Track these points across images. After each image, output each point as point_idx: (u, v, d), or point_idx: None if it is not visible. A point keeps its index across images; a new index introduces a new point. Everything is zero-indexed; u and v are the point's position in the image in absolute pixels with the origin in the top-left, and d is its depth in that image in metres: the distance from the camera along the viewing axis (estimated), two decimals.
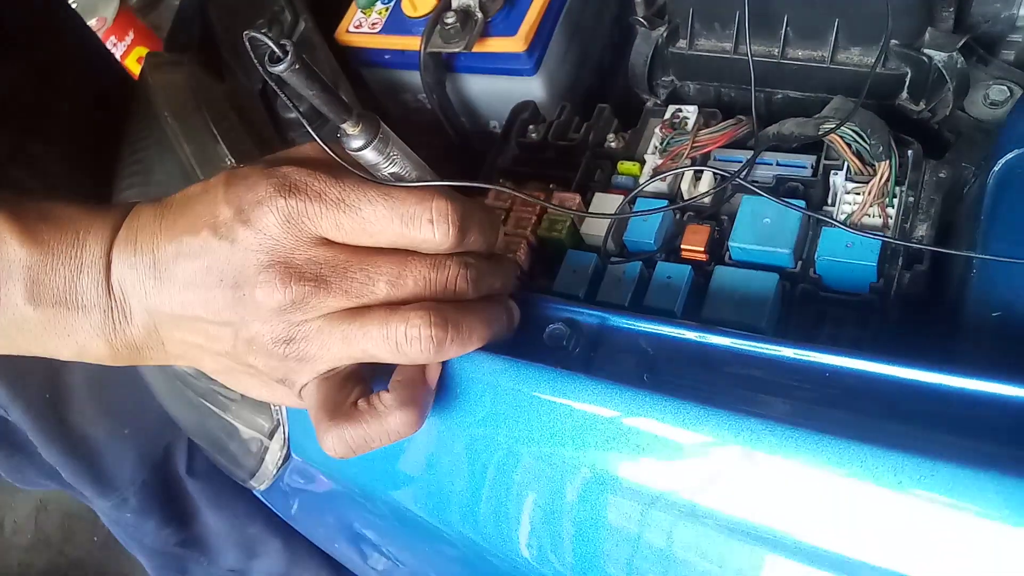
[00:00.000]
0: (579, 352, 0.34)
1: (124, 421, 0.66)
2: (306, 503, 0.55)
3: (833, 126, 0.40)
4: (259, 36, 0.28)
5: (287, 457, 0.46)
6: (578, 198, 0.46)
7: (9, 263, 0.33)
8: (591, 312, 0.35)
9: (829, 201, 0.43)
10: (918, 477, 0.27)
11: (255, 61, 0.29)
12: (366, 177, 0.33)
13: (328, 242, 0.33)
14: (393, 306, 0.32)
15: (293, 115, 0.51)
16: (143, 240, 0.34)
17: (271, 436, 0.46)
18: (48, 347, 0.35)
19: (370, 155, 0.33)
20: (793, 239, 0.39)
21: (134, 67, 1.92)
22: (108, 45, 1.86)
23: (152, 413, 0.64)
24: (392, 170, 0.34)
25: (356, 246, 0.33)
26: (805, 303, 0.40)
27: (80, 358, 0.36)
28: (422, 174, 0.35)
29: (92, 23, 1.87)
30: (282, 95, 0.31)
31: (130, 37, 1.92)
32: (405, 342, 0.32)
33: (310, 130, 0.32)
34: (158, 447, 0.69)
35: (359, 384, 0.34)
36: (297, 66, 0.28)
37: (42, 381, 0.61)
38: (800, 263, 0.40)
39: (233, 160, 0.50)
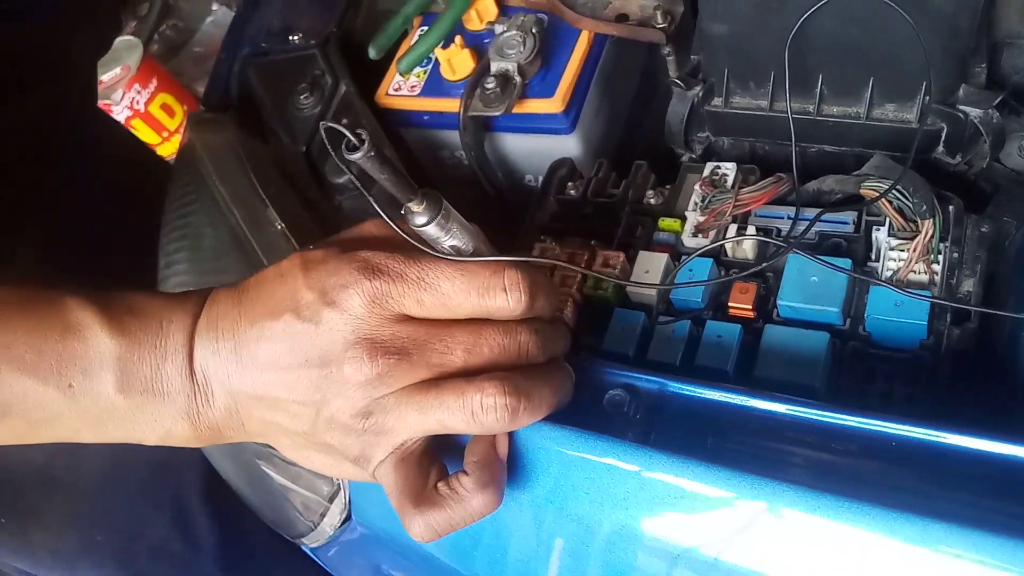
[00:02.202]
0: (640, 418, 0.35)
1: (96, 527, 0.64)
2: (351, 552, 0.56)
3: (880, 187, 0.41)
4: (336, 126, 0.30)
5: (346, 519, 0.47)
6: (622, 256, 0.47)
7: (100, 355, 0.35)
8: (649, 378, 0.36)
9: (873, 256, 0.44)
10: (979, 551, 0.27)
11: (329, 148, 0.31)
12: (435, 254, 0.34)
13: (408, 318, 0.35)
14: (467, 378, 0.34)
15: (341, 180, 0.53)
16: (223, 326, 0.36)
17: (331, 500, 0.47)
18: (135, 433, 0.36)
19: (432, 230, 0.34)
20: (842, 297, 0.40)
21: (158, 113, 1.96)
22: (132, 92, 1.90)
23: (127, 513, 0.63)
24: (452, 243, 0.35)
25: (433, 319, 0.35)
26: (855, 360, 0.40)
27: (165, 442, 0.37)
28: (478, 245, 0.37)
29: (116, 71, 1.92)
30: (353, 179, 0.32)
31: (153, 84, 1.97)
32: (481, 411, 0.33)
33: (381, 212, 0.33)
34: (138, 547, 0.66)
35: (434, 464, 0.35)
36: (372, 153, 0.30)
37: None
38: (849, 320, 0.41)
39: (283, 225, 0.51)
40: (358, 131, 0.30)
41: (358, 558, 0.55)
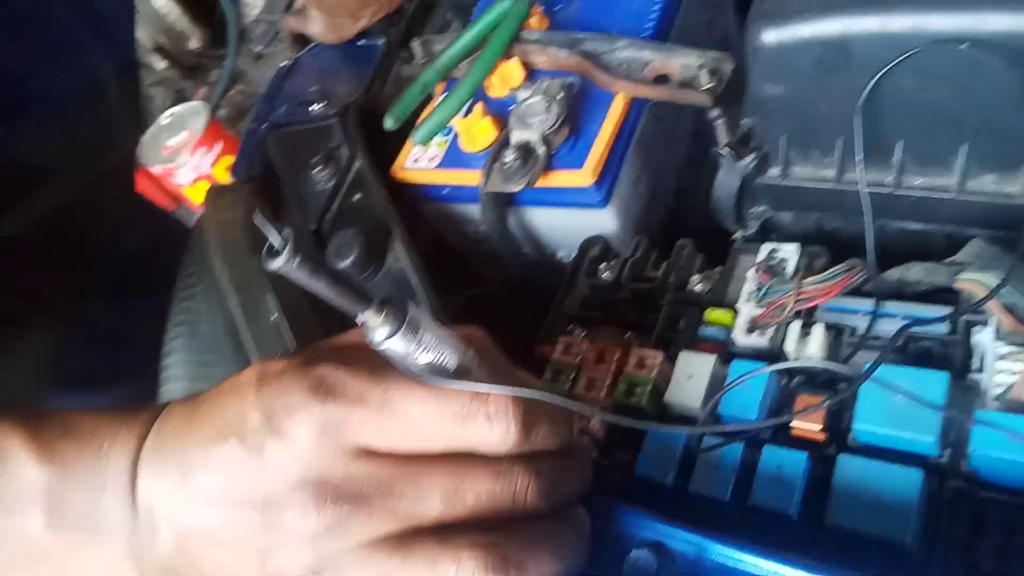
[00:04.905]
0: None
1: None
2: None
3: (981, 281, 0.32)
4: (261, 222, 0.24)
5: None
6: (661, 356, 0.39)
7: (26, 488, 0.30)
8: (686, 536, 0.28)
9: (974, 365, 0.35)
10: None
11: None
12: (413, 373, 0.28)
13: (371, 453, 0.29)
14: (444, 537, 0.27)
15: (342, 265, 0.48)
16: (171, 447, 0.31)
17: None
18: None
19: (397, 346, 0.28)
20: (938, 424, 0.31)
21: (222, 175, 2.00)
22: (197, 156, 1.95)
23: None
24: (427, 359, 0.29)
25: (404, 455, 0.29)
26: (957, 503, 0.31)
27: None
28: (462, 358, 0.30)
29: (184, 135, 1.98)
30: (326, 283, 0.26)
31: (219, 147, 2.01)
32: None
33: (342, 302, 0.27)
34: None
35: None
36: (295, 263, 0.24)
37: None
38: (948, 451, 0.32)
39: (279, 314, 0.46)
40: (284, 233, 0.24)
41: None
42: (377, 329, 0.27)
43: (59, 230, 0.57)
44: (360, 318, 0.27)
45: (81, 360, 0.59)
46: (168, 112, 2.07)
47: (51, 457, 0.30)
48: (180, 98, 2.38)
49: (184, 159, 1.98)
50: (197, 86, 2.53)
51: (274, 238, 0.24)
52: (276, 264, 0.24)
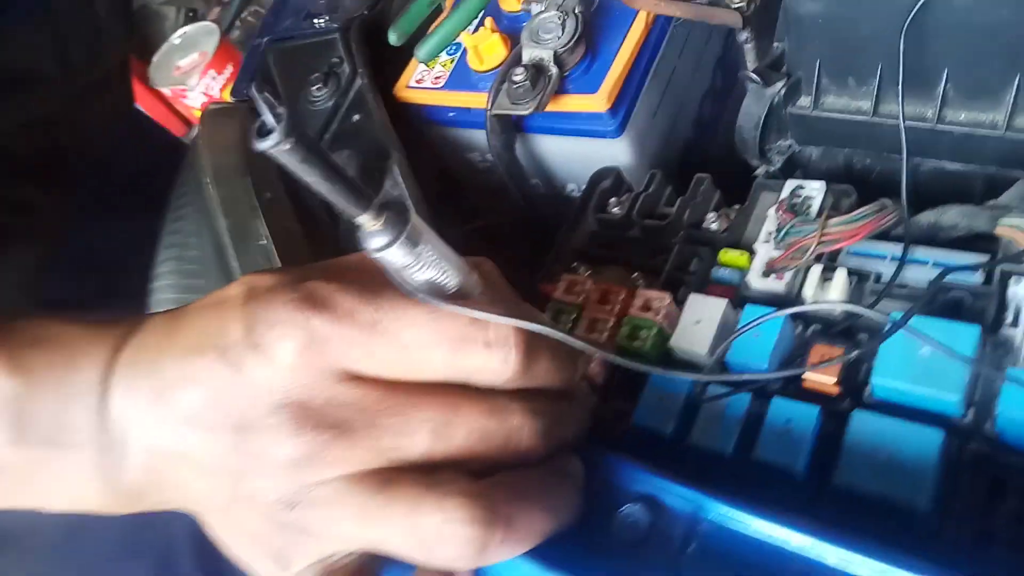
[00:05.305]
0: (662, 549, 0.25)
1: None
2: None
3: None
4: (258, 97, 0.22)
5: None
6: (668, 298, 0.37)
7: None
8: (683, 492, 0.26)
9: (1009, 319, 0.32)
10: None
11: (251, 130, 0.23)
12: (409, 290, 0.26)
13: (357, 378, 0.26)
14: (431, 481, 0.25)
15: None
16: (146, 359, 0.29)
17: None
18: (38, 496, 0.30)
19: (396, 256, 0.26)
20: (964, 381, 0.29)
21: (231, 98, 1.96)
22: (207, 78, 1.90)
23: (100, 567, 0.56)
24: (425, 275, 0.27)
25: (393, 382, 0.27)
26: (977, 468, 0.29)
27: (77, 507, 0.30)
28: (465, 280, 0.28)
29: (194, 57, 1.92)
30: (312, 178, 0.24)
31: (229, 70, 1.96)
32: (436, 539, 0.24)
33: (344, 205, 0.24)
34: None
35: None
36: (288, 146, 0.21)
37: None
38: (973, 411, 0.30)
39: (269, 239, 0.44)
40: (279, 110, 0.21)
41: None
42: (375, 235, 0.24)
43: (47, 143, 0.55)
44: (357, 220, 0.24)
45: (68, 283, 0.58)
46: (179, 31, 2.02)
47: (17, 366, 0.28)
48: (193, 17, 2.32)
49: (195, 81, 1.93)
50: (210, 6, 2.46)
51: (267, 115, 0.21)
52: (265, 144, 0.21)
